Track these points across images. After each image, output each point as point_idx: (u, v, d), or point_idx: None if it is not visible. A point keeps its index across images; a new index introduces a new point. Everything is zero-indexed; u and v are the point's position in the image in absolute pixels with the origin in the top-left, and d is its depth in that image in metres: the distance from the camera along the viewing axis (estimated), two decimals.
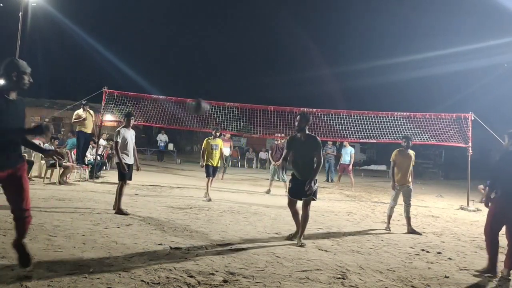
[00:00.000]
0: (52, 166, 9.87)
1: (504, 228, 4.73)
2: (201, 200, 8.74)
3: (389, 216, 7.04)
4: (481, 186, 10.35)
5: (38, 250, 4.25)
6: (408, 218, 6.92)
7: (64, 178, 9.82)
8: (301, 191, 5.38)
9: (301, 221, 5.47)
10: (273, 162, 11.48)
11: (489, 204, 4.83)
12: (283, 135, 13.37)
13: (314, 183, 5.34)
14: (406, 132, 11.71)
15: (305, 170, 5.45)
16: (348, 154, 13.52)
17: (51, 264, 3.85)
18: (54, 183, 9.56)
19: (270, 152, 12.42)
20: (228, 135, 14.26)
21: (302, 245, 5.26)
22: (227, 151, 14.16)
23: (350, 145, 13.72)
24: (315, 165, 5.40)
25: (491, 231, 4.75)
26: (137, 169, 7.36)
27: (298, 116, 5.55)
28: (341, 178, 14.12)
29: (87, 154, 11.61)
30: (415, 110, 12.46)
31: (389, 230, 6.86)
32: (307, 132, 5.51)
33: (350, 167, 13.64)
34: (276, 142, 12.05)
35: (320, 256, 4.86)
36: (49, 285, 3.35)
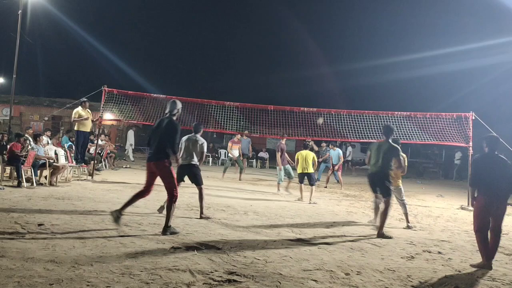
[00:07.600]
0: (42, 166, 9.27)
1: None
2: None
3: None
4: None
5: (36, 249, 4.24)
6: (406, 215, 7.22)
7: (55, 179, 9.29)
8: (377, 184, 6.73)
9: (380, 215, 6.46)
10: (280, 166, 10.90)
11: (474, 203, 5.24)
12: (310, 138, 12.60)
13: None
14: (407, 131, 11.70)
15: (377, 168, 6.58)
16: (336, 156, 13.35)
17: (50, 263, 3.84)
18: (41, 184, 9.12)
19: (279, 153, 10.95)
20: (238, 137, 14.01)
21: (388, 237, 6.11)
22: (236, 153, 14.07)
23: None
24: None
25: (479, 228, 5.03)
26: None
27: (385, 128, 6.84)
28: (329, 179, 13.91)
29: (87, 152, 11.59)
30: (415, 110, 12.45)
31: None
32: (389, 140, 6.57)
33: (339, 167, 13.46)
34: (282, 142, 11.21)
35: (320, 256, 4.85)
36: (51, 283, 3.34)
